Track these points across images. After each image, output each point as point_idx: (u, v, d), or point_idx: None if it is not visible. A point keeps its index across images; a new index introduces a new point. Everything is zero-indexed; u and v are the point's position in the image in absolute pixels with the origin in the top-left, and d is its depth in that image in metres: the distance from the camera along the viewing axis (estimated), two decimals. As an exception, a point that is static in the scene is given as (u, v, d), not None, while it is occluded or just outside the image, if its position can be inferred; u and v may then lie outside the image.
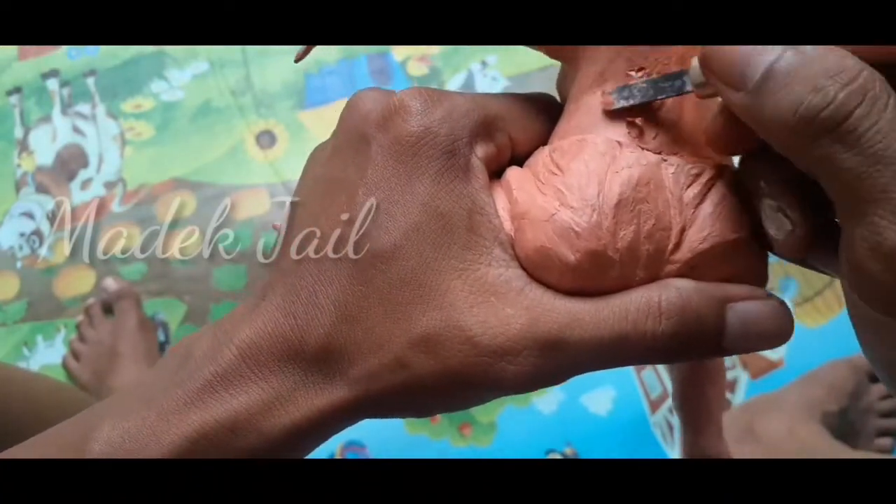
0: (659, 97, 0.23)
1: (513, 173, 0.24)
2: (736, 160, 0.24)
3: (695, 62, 0.22)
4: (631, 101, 0.24)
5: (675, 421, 0.84)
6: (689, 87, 0.22)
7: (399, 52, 1.05)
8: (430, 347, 0.22)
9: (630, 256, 0.23)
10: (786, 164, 0.21)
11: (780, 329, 0.23)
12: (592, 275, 0.23)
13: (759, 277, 0.24)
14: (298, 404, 0.23)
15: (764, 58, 0.19)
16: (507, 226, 0.24)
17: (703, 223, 0.23)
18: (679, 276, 0.23)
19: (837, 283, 0.86)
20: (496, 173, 0.25)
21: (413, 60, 1.05)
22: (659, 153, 0.23)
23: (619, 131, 0.24)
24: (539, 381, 0.22)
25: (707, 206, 0.23)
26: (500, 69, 1.03)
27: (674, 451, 0.83)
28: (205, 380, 0.23)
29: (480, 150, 0.24)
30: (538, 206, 0.23)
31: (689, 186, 0.23)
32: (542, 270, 0.23)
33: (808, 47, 0.18)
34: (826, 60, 0.18)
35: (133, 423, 0.23)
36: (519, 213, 0.23)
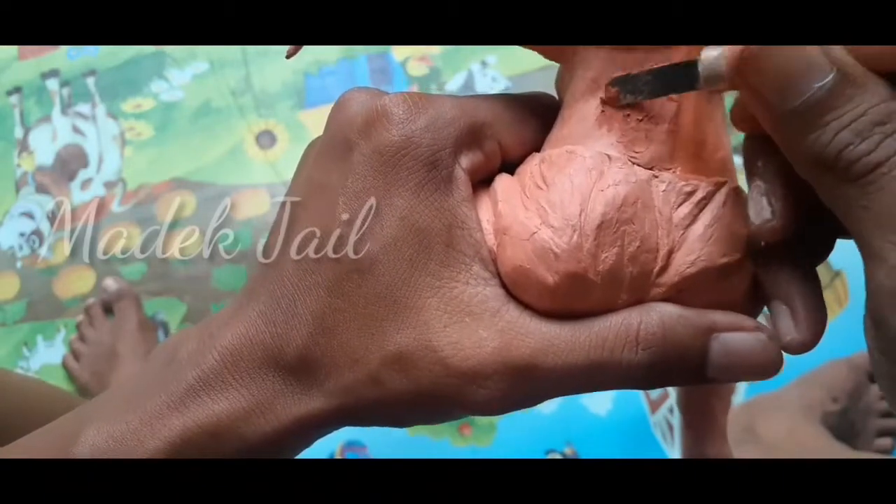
0: (669, 93, 0.22)
1: (500, 182, 0.24)
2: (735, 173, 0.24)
3: (706, 55, 0.20)
4: (638, 98, 0.22)
5: (676, 421, 0.84)
6: (700, 85, 0.21)
7: (399, 52, 1.05)
8: (403, 366, 0.22)
9: (612, 280, 0.22)
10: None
11: (765, 364, 0.22)
12: (572, 297, 0.22)
13: (750, 305, 0.23)
14: (277, 413, 0.23)
15: (809, 80, 0.18)
16: (491, 240, 0.23)
17: (691, 246, 0.22)
18: (665, 300, 0.22)
19: (837, 284, 0.87)
20: (485, 181, 0.24)
21: (413, 60, 1.05)
22: (651, 168, 0.22)
23: (610, 143, 0.23)
24: (510, 405, 0.22)
25: (698, 228, 0.22)
26: (500, 69, 1.03)
27: (674, 451, 0.83)
28: (188, 384, 0.23)
29: (465, 161, 0.23)
30: (520, 222, 0.22)
31: (679, 206, 0.22)
32: (520, 290, 0.22)
33: (858, 71, 0.18)
34: (875, 104, 0.17)
35: (118, 428, 0.23)
36: (501, 228, 0.23)
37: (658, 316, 0.21)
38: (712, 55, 0.21)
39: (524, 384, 0.22)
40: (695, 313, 0.22)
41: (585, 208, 0.22)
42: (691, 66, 0.21)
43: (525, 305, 0.22)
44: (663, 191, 0.22)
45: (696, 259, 0.22)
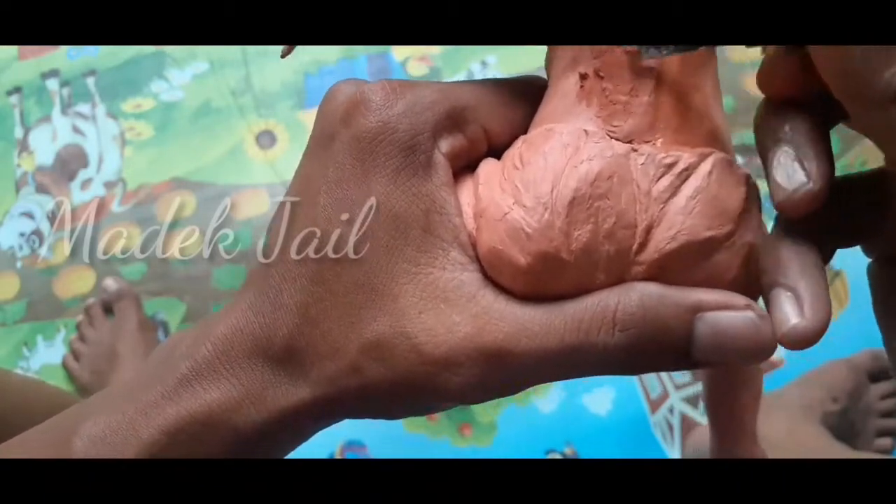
0: (696, 48, 0.21)
1: (484, 167, 0.23)
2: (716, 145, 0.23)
3: None
4: (662, 52, 0.21)
5: (676, 421, 0.84)
6: None
7: (399, 52, 1.05)
8: (380, 354, 0.22)
9: (587, 259, 0.21)
10: (818, 117, 0.20)
11: (756, 345, 0.20)
12: (546, 278, 0.21)
13: (746, 284, 0.22)
14: (267, 403, 0.23)
15: None
16: (470, 224, 0.22)
17: (672, 220, 0.21)
18: (648, 279, 0.21)
19: (837, 283, 0.86)
20: (471, 166, 0.24)
21: (413, 60, 1.05)
22: (630, 142, 0.22)
23: (589, 118, 0.22)
24: (486, 392, 0.22)
25: (679, 201, 0.21)
26: (500, 69, 1.03)
27: (674, 451, 0.83)
28: (181, 374, 0.23)
29: (445, 145, 0.23)
30: (494, 202, 0.22)
31: (659, 179, 0.21)
32: (496, 272, 0.22)
33: None
34: None
35: (114, 418, 0.23)
36: (479, 211, 0.22)
37: (638, 295, 0.21)
38: None
39: (498, 370, 0.21)
40: (678, 291, 0.21)
41: (557, 185, 0.21)
42: None
43: (502, 289, 0.22)
44: (642, 164, 0.21)
45: (677, 233, 0.21)
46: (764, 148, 0.21)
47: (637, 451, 0.83)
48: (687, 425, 0.84)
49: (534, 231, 0.21)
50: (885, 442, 0.78)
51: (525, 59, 1.01)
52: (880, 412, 0.79)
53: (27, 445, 0.25)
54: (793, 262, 0.21)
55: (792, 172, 0.20)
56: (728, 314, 0.21)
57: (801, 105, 0.21)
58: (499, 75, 1.02)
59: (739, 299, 0.21)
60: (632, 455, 0.83)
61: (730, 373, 0.31)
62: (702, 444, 0.78)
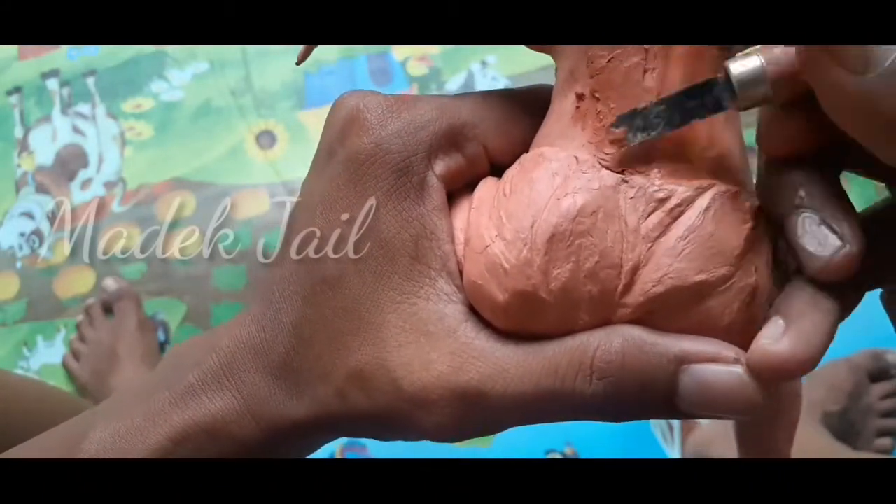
0: (689, 121, 0.20)
1: (481, 188, 0.22)
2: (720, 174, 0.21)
3: (736, 66, 0.19)
4: (651, 133, 0.20)
5: (676, 421, 0.84)
6: (727, 104, 0.19)
7: (399, 52, 1.05)
8: (363, 384, 0.21)
9: (567, 299, 0.20)
10: (827, 170, 0.19)
11: (745, 402, 0.19)
12: (525, 317, 0.20)
13: (741, 327, 0.20)
14: (265, 416, 0.23)
15: (892, 48, 0.16)
16: (461, 251, 0.21)
17: (659, 261, 0.19)
18: (635, 321, 0.20)
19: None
20: (472, 186, 0.23)
21: (413, 60, 1.05)
22: (622, 171, 0.20)
23: (582, 144, 0.21)
24: (461, 432, 0.21)
25: (668, 240, 0.20)
26: (500, 69, 1.02)
27: (674, 451, 0.83)
28: (188, 383, 0.23)
29: (440, 166, 0.22)
30: (478, 233, 0.21)
31: (649, 215, 0.20)
32: (478, 306, 0.21)
33: None
34: None
35: (123, 424, 0.23)
36: (466, 240, 0.21)
37: (620, 341, 0.20)
38: (746, 65, 0.19)
39: (472, 412, 0.20)
40: (663, 339, 0.20)
41: (539, 219, 0.20)
42: (715, 84, 0.19)
43: (486, 323, 0.21)
44: (631, 198, 0.20)
45: (664, 276, 0.19)
46: (778, 213, 0.20)
47: (637, 451, 0.83)
48: (687, 425, 0.83)
49: (511, 267, 0.20)
50: (885, 442, 0.78)
51: (525, 60, 1.01)
52: (880, 412, 0.79)
53: (40, 450, 0.25)
54: (800, 298, 0.19)
55: (823, 238, 0.18)
56: (715, 368, 0.19)
57: (805, 160, 0.20)
58: (499, 75, 1.02)
59: (729, 351, 0.20)
60: (632, 455, 0.83)
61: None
62: (702, 443, 0.78)
